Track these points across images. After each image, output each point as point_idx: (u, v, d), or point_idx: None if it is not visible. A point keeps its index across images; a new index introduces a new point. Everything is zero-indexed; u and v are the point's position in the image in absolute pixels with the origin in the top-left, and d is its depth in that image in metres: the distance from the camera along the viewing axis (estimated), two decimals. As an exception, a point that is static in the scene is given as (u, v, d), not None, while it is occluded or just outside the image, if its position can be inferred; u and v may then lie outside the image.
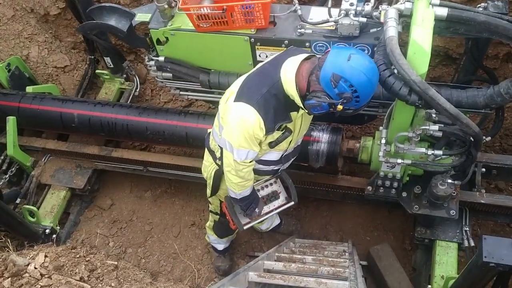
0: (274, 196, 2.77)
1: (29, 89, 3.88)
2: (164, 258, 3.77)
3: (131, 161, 3.80)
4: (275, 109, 2.23)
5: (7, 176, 3.88)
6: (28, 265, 2.35)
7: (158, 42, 3.16)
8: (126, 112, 3.52)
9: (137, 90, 4.47)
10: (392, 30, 2.18)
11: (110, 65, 4.32)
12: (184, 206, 4.08)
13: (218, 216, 3.08)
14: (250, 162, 2.37)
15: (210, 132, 2.72)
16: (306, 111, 2.24)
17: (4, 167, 3.96)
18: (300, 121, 2.41)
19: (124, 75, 4.50)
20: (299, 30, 2.73)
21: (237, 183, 2.43)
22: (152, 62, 3.34)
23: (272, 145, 2.39)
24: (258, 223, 2.86)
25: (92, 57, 4.50)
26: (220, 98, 3.26)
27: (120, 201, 4.16)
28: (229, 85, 3.08)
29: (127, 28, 3.14)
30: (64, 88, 4.48)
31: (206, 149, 2.76)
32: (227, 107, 2.32)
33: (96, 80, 4.60)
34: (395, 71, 2.17)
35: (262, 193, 2.74)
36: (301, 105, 2.21)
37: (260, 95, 2.21)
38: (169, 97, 4.69)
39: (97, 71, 4.43)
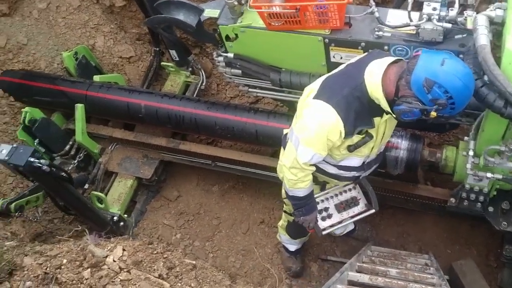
0: (353, 202, 3.23)
1: (96, 78, 4.70)
2: (233, 254, 4.49)
3: (199, 155, 4.50)
4: (357, 112, 2.53)
5: (76, 161, 4.80)
6: (106, 257, 2.73)
7: (227, 38, 3.70)
8: (194, 106, 4.19)
9: (203, 84, 5.17)
10: (483, 38, 2.46)
11: (176, 58, 5.02)
12: (253, 203, 4.77)
13: (292, 217, 3.65)
14: (310, 166, 2.73)
15: (287, 133, 3.15)
16: (394, 117, 2.54)
17: (72, 153, 4.88)
18: (384, 126, 2.72)
19: (190, 69, 5.21)
20: (377, 33, 3.13)
21: (290, 179, 2.78)
22: (220, 58, 3.93)
23: (351, 149, 2.71)
24: (337, 229, 3.30)
25: (157, 49, 5.25)
26: (290, 96, 3.83)
27: (187, 193, 4.94)
28: (301, 85, 3.65)
29: (196, 23, 3.77)
30: (129, 78, 5.30)
31: (281, 150, 3.21)
32: (305, 104, 2.68)
33: (161, 71, 5.38)
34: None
35: (340, 198, 3.22)
36: (388, 110, 2.50)
37: (341, 95, 2.52)
38: (235, 93, 5.36)
39: (162, 63, 5.17)
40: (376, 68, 2.50)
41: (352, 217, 3.22)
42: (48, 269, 2.32)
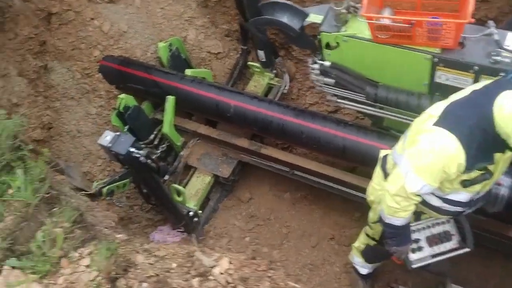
0: (445, 237, 2.98)
1: (188, 71, 4.71)
2: (300, 267, 4.35)
3: (278, 161, 4.40)
4: (480, 145, 2.34)
5: (159, 151, 4.83)
6: (213, 267, 2.57)
7: (327, 46, 3.59)
8: (283, 112, 4.09)
9: (286, 87, 5.07)
10: None
11: (263, 59, 4.96)
12: (324, 217, 4.61)
13: (374, 242, 3.45)
14: (417, 196, 2.54)
15: (387, 154, 3.00)
16: None
17: (155, 142, 4.93)
18: (503, 163, 2.54)
19: (274, 71, 5.13)
20: (494, 57, 2.90)
21: (391, 206, 2.60)
22: (316, 66, 3.81)
23: (466, 184, 2.52)
24: (427, 264, 3.03)
25: (245, 47, 5.20)
26: (381, 112, 3.65)
27: (259, 196, 4.86)
28: (397, 103, 3.46)
29: (299, 28, 3.68)
30: (215, 74, 5.28)
31: (377, 171, 3.07)
32: (423, 130, 2.50)
33: (245, 70, 5.32)
34: None
35: (433, 231, 2.98)
36: None
37: (467, 125, 2.34)
38: (315, 99, 5.23)
39: (249, 62, 5.12)
40: (508, 102, 2.26)
41: (444, 253, 2.98)
42: (159, 271, 2.26)
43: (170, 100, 4.48)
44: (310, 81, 5.24)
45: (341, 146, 3.84)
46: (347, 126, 3.89)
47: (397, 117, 3.66)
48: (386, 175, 2.93)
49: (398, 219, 2.67)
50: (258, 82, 5.12)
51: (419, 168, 2.43)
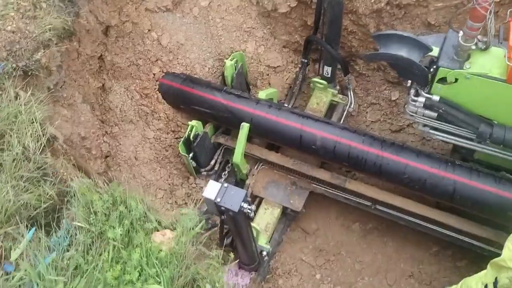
0: None
1: (262, 94, 4.18)
2: (380, 308, 4.05)
3: (360, 195, 4.03)
4: None
5: (223, 179, 4.30)
6: None
7: (440, 80, 3.30)
8: (381, 147, 3.69)
9: (352, 107, 4.67)
10: None
11: (328, 74, 4.53)
12: (398, 251, 4.29)
13: None
14: None
15: None
16: None
17: (216, 168, 4.40)
18: None
19: (337, 87, 4.71)
20: None
21: None
22: (421, 99, 3.49)
23: None
24: None
25: (305, 60, 4.75)
26: (487, 149, 3.44)
27: (325, 227, 4.46)
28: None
29: (428, 64, 3.30)
30: (273, 89, 4.79)
31: None
32: None
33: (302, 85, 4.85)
34: None
35: None
36: None
37: None
38: (376, 117, 4.89)
39: (314, 79, 4.65)
40: None
41: None
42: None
43: (244, 128, 3.95)
44: (372, 97, 4.93)
45: (451, 190, 3.51)
46: (456, 167, 3.56)
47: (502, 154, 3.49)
48: None
49: None
50: (321, 99, 4.66)
51: None
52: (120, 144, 3.97)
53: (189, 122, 4.00)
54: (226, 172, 4.36)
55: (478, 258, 4.01)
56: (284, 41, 4.86)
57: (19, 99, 2.61)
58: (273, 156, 4.23)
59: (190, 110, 4.18)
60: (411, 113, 3.69)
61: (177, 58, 4.28)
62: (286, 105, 4.64)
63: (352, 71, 4.87)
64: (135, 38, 4.10)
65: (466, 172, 3.51)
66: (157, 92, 4.16)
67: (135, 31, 4.07)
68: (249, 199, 3.03)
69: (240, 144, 3.98)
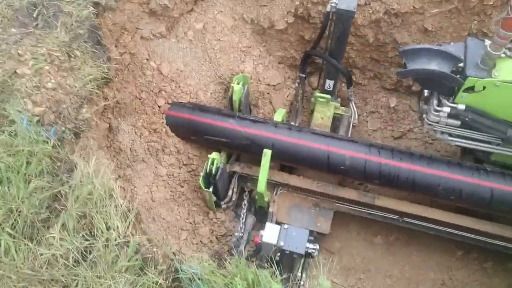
0: None
1: (278, 117, 3.95)
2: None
3: (388, 210, 3.93)
4: None
5: (244, 209, 4.03)
6: None
7: (467, 89, 3.28)
8: (412, 161, 3.60)
9: (356, 119, 4.56)
10: None
11: (330, 88, 4.39)
12: (425, 259, 4.24)
13: None
14: None
15: None
16: None
17: (234, 198, 4.11)
18: None
19: (339, 99, 4.60)
20: None
21: None
22: (446, 108, 3.45)
23: None
24: None
25: (304, 75, 4.58)
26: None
27: (348, 244, 4.32)
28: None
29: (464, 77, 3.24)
30: (275, 108, 4.56)
31: None
32: None
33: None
34: None
35: None
36: None
37: None
38: (377, 125, 4.84)
39: (316, 94, 4.48)
40: None
41: None
42: None
43: (267, 155, 3.70)
44: (370, 105, 4.86)
45: (488, 197, 3.49)
46: (490, 173, 3.54)
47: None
48: None
49: None
50: (324, 114, 4.48)
51: None
52: (136, 188, 3.56)
53: (209, 156, 3.70)
54: (246, 201, 4.07)
55: (502, 258, 4.08)
56: (280, 57, 4.66)
57: (82, 169, 2.19)
58: (295, 180, 4.02)
59: (203, 140, 3.87)
60: (430, 123, 3.65)
61: (180, 87, 3.95)
62: (293, 123, 4.44)
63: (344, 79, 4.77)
64: (134, 70, 3.72)
65: (500, 177, 3.51)
66: (165, 125, 3.80)
67: (134, 62, 3.68)
68: (311, 237, 2.83)
69: (264, 172, 3.73)
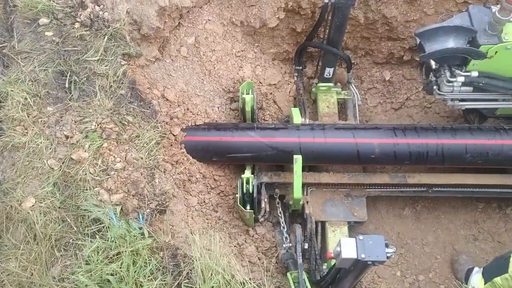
0: None
1: (297, 119, 3.81)
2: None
3: (417, 184, 3.96)
4: None
5: (282, 219, 3.90)
6: None
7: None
8: (438, 136, 3.62)
9: (359, 99, 4.52)
10: None
11: (329, 75, 4.32)
12: (453, 220, 4.35)
13: None
14: None
15: None
16: None
17: (266, 208, 3.94)
18: None
19: (338, 84, 4.54)
20: None
21: None
22: (460, 78, 3.48)
23: None
24: None
25: (300, 67, 4.52)
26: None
27: (381, 224, 4.35)
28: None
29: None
30: (280, 107, 4.44)
31: None
32: None
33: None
34: None
35: None
36: None
37: None
38: (377, 100, 4.84)
39: (320, 83, 4.41)
40: None
41: None
42: None
43: (298, 160, 3.59)
44: (366, 82, 4.84)
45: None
46: (509, 131, 3.64)
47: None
48: None
49: None
50: (329, 101, 4.43)
51: None
52: (173, 226, 3.37)
53: (242, 176, 3.55)
54: (280, 211, 3.96)
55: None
56: (273, 53, 4.50)
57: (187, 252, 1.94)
58: (327, 178, 3.95)
59: (226, 160, 3.70)
60: (441, 93, 3.66)
61: (188, 109, 3.73)
62: (303, 119, 4.33)
63: (339, 64, 4.69)
64: (141, 103, 3.45)
65: (522, 134, 3.61)
66: (186, 154, 3.59)
67: (136, 94, 3.42)
68: (387, 241, 2.78)
69: (298, 178, 3.62)
